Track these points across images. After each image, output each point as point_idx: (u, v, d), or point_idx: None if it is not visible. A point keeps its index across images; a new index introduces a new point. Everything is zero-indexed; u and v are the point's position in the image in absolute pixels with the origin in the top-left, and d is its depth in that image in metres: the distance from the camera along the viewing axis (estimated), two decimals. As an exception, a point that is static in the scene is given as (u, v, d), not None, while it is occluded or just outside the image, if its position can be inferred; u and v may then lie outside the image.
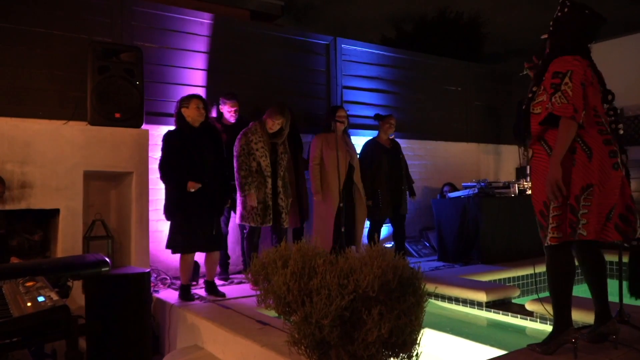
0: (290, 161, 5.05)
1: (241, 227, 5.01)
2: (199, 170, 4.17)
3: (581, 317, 3.27)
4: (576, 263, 2.83)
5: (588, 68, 2.74)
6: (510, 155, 8.26)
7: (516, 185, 6.30)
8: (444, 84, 7.70)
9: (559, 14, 2.85)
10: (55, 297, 1.79)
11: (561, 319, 2.73)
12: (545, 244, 2.74)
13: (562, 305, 2.75)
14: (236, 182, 4.69)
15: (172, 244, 4.21)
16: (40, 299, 1.78)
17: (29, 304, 1.72)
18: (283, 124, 4.79)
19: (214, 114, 5.42)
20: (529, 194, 6.44)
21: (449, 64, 7.96)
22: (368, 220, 5.68)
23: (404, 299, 2.30)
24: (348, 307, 2.21)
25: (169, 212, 4.22)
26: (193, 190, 4.11)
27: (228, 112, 5.19)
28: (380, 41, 22.06)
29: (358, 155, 5.67)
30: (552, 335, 2.76)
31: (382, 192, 5.61)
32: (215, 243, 4.34)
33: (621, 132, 2.81)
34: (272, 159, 4.74)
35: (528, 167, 7.67)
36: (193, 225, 4.17)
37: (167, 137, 4.27)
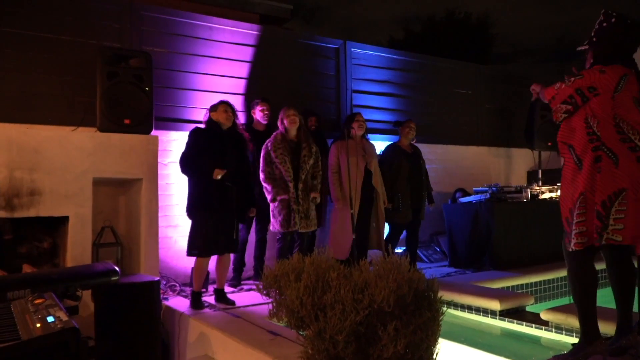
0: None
1: (260, 234, 5.12)
2: None
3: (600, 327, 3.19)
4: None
5: (616, 76, 2.74)
6: (521, 159, 8.17)
7: (528, 189, 6.22)
8: (454, 87, 7.63)
9: (605, 24, 2.89)
10: (64, 317, 1.75)
11: (588, 329, 2.69)
12: (570, 249, 2.73)
13: (588, 315, 2.72)
14: (266, 193, 4.78)
15: (193, 247, 4.18)
16: (50, 319, 1.73)
17: (37, 325, 1.68)
18: (300, 119, 4.84)
19: (242, 120, 5.39)
20: (542, 199, 6.37)
21: (459, 67, 7.89)
22: (388, 224, 5.64)
23: (419, 314, 2.25)
24: (363, 323, 2.17)
25: (191, 210, 4.20)
26: (219, 177, 4.09)
27: (260, 111, 5.23)
28: (388, 42, 22.00)
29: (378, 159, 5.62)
30: (579, 346, 2.70)
31: (402, 196, 5.55)
32: (228, 245, 4.29)
33: None
34: (294, 162, 4.73)
35: (540, 171, 7.59)
36: (211, 227, 4.13)
37: (194, 132, 4.29)
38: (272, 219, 4.80)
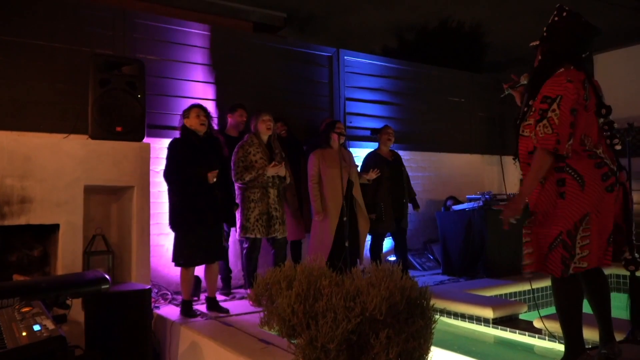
0: (289, 171, 5.00)
1: (240, 241, 4.95)
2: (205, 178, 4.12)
3: (592, 335, 3.18)
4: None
5: (581, 85, 2.56)
6: (514, 167, 8.15)
7: (521, 197, 6.21)
8: (448, 95, 7.66)
9: (556, 18, 2.70)
10: (51, 325, 1.72)
11: (574, 344, 2.65)
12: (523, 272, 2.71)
13: (573, 332, 2.67)
14: (237, 193, 4.69)
15: (179, 257, 4.14)
16: (36, 327, 1.71)
17: (24, 334, 1.65)
18: (273, 125, 4.81)
19: (215, 126, 5.35)
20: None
21: (452, 75, 7.92)
22: (370, 233, 5.57)
23: (412, 321, 2.24)
24: (355, 331, 2.15)
25: (175, 223, 4.16)
26: (214, 179, 4.07)
27: (239, 116, 5.19)
28: (382, 51, 22.07)
29: (359, 168, 5.58)
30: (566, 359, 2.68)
31: (384, 205, 5.50)
32: (217, 253, 4.28)
33: (618, 147, 2.65)
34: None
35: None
36: (198, 237, 4.11)
37: (173, 144, 4.23)
38: (242, 222, 4.62)
